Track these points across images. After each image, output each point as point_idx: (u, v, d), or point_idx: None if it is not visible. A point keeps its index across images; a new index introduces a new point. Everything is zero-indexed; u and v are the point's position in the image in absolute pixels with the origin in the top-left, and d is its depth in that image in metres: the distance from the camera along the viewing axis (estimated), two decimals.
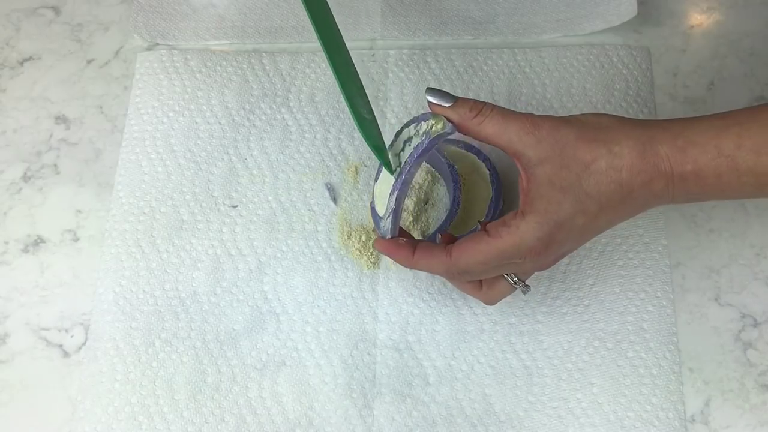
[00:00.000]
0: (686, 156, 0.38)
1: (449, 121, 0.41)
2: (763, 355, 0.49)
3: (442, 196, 0.54)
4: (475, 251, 0.41)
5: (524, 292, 0.45)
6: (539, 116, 0.40)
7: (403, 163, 0.42)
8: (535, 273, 0.46)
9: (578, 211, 0.39)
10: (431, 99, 0.41)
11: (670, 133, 0.39)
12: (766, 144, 0.37)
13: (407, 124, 0.43)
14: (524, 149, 0.39)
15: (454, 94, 0.42)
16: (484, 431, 0.48)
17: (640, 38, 0.59)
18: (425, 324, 0.51)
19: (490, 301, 0.46)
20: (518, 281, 0.43)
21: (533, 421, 0.48)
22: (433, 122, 0.41)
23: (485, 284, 0.45)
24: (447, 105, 0.41)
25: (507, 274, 0.43)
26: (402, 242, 0.44)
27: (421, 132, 0.42)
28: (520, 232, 0.39)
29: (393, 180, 0.43)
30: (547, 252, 0.40)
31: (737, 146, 0.37)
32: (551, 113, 0.56)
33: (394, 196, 0.42)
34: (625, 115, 0.55)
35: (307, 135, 0.57)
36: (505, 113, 0.40)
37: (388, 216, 0.43)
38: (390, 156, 0.44)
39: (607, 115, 0.41)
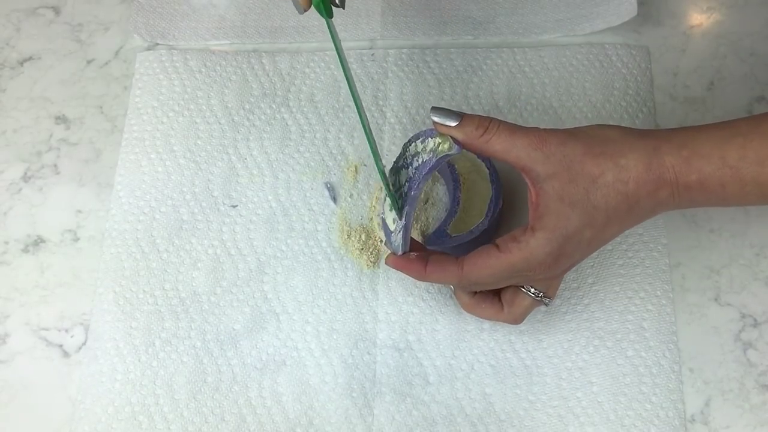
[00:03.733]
0: (691, 166, 0.39)
1: (455, 140, 0.41)
2: (763, 355, 0.49)
3: (442, 195, 0.54)
4: (486, 266, 0.41)
5: (546, 305, 0.45)
6: (545, 131, 0.40)
7: (411, 180, 0.43)
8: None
9: (586, 224, 0.39)
10: (436, 119, 0.41)
11: (674, 143, 0.39)
12: None
13: (415, 138, 0.43)
14: (533, 165, 0.39)
15: (459, 111, 0.42)
16: (485, 430, 0.48)
17: (640, 38, 0.59)
18: (425, 323, 0.51)
19: (515, 320, 0.46)
20: (542, 296, 0.44)
21: (533, 420, 0.48)
22: (440, 141, 0.41)
23: (505, 304, 0.45)
24: (452, 124, 0.41)
25: (525, 288, 0.44)
26: (413, 257, 0.45)
27: (428, 149, 0.42)
28: (530, 248, 0.40)
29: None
30: (557, 265, 0.41)
31: (741, 157, 0.38)
32: (551, 112, 0.56)
33: (404, 212, 0.43)
34: (625, 115, 0.56)
35: (306, 135, 0.57)
36: (512, 129, 0.40)
37: (399, 232, 0.44)
38: (397, 169, 0.44)
39: (612, 126, 0.41)
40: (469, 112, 0.44)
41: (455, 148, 0.41)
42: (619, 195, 0.39)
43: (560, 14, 0.60)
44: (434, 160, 0.41)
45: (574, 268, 0.51)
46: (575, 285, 0.51)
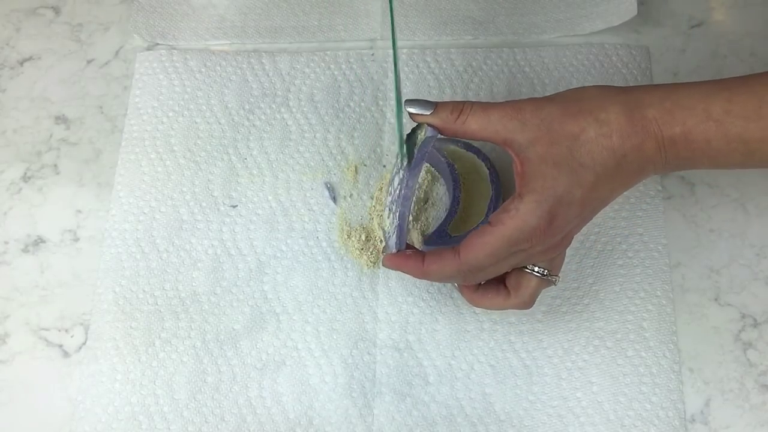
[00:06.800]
0: (674, 118, 0.38)
1: (432, 127, 0.41)
2: (763, 355, 0.49)
3: (442, 195, 0.54)
4: (482, 244, 0.40)
5: (555, 283, 0.44)
6: (521, 100, 0.40)
7: (401, 180, 0.43)
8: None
9: (574, 183, 0.39)
10: (411, 110, 0.42)
11: (656, 96, 0.39)
12: (756, 111, 0.37)
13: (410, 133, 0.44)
14: (512, 135, 0.39)
15: (433, 101, 0.42)
16: (484, 430, 0.48)
17: (640, 38, 0.59)
18: (425, 323, 0.51)
19: (525, 304, 0.44)
20: (547, 273, 0.43)
21: (533, 420, 0.48)
22: (419, 131, 0.42)
23: (512, 289, 0.44)
24: (428, 113, 0.41)
25: (528, 268, 0.43)
26: (410, 253, 0.44)
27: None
28: (520, 214, 0.39)
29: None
30: (552, 230, 0.39)
31: (726, 111, 0.37)
32: None
33: (398, 212, 0.43)
34: None
35: (306, 135, 0.57)
36: (486, 106, 0.40)
37: (394, 231, 0.44)
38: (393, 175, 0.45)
39: (590, 86, 0.41)
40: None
41: (429, 131, 0.41)
42: (604, 150, 0.38)
43: (560, 14, 0.60)
44: (416, 152, 0.41)
45: (574, 269, 0.51)
46: (575, 285, 0.51)
